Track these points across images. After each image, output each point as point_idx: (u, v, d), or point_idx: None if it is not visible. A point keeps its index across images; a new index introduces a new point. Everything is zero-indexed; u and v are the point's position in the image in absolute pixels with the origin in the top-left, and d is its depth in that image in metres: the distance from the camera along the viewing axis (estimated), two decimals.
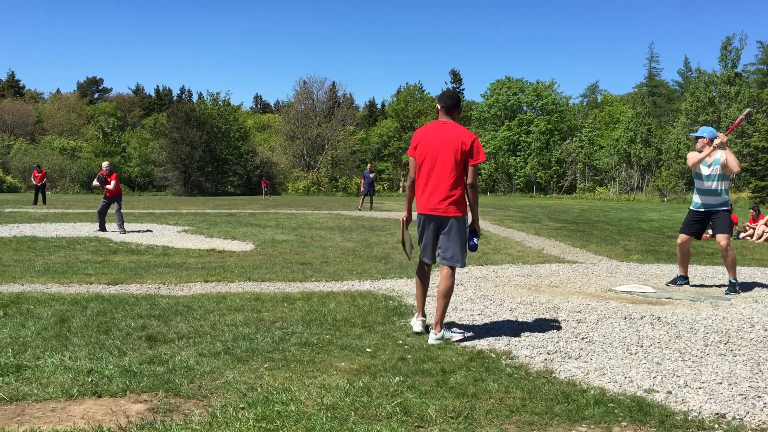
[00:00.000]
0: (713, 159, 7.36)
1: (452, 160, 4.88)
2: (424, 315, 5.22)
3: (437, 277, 5.27)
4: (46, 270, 8.33)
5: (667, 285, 7.74)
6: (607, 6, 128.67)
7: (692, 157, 7.46)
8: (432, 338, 4.91)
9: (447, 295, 5.00)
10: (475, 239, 5.03)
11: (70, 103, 76.41)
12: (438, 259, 5.12)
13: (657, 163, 53.85)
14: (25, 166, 49.94)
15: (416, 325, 5.16)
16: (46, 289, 6.89)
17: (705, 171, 7.42)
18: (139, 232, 14.13)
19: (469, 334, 5.15)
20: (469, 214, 5.05)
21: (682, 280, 7.74)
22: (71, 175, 51.28)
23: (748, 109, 8.19)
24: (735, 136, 44.08)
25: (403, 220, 5.28)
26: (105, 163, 14.77)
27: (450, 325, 5.31)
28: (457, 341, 4.93)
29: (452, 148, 4.87)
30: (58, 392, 3.63)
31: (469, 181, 4.92)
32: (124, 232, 13.74)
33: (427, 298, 5.56)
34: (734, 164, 7.23)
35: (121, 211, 14.29)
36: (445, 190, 4.91)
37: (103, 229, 13.99)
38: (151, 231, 14.44)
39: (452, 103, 5.08)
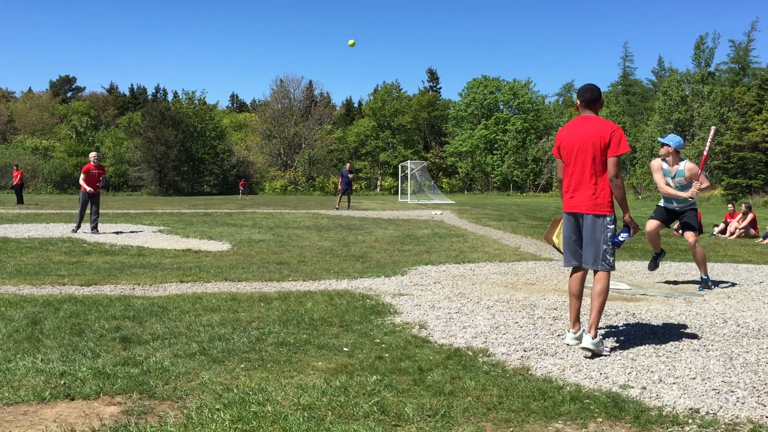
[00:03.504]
0: (676, 171, 7.50)
1: (591, 155, 4.66)
2: (577, 326, 4.86)
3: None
4: (18, 271, 8.19)
5: (650, 270, 7.92)
6: (582, 5, 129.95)
7: (660, 180, 7.57)
8: (585, 342, 4.57)
9: (600, 295, 4.70)
10: (622, 235, 4.74)
11: (42, 102, 75.33)
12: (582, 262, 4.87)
13: (631, 161, 54.45)
14: None
15: (567, 337, 4.85)
16: (18, 291, 6.77)
17: (671, 182, 7.56)
18: (113, 232, 13.96)
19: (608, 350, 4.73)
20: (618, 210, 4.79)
21: (656, 257, 7.84)
22: (44, 175, 50.56)
23: (713, 128, 8.22)
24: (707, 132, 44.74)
25: (557, 219, 5.09)
26: (93, 154, 14.29)
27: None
28: (604, 355, 4.59)
29: (591, 143, 4.65)
30: (30, 395, 3.57)
31: (610, 174, 4.63)
32: (98, 232, 13.56)
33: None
34: (706, 186, 7.49)
35: (99, 211, 14.10)
36: (586, 188, 4.71)
37: (78, 228, 13.73)
38: (125, 231, 14.27)
39: (591, 96, 4.80)
